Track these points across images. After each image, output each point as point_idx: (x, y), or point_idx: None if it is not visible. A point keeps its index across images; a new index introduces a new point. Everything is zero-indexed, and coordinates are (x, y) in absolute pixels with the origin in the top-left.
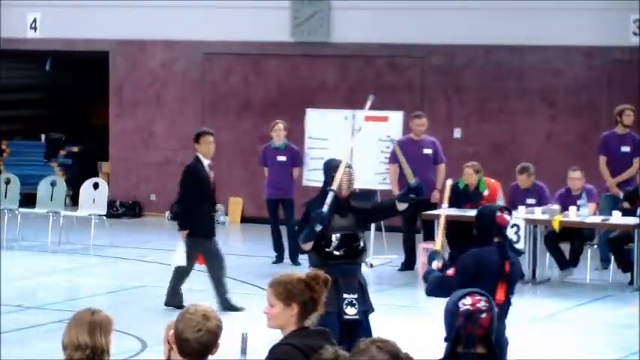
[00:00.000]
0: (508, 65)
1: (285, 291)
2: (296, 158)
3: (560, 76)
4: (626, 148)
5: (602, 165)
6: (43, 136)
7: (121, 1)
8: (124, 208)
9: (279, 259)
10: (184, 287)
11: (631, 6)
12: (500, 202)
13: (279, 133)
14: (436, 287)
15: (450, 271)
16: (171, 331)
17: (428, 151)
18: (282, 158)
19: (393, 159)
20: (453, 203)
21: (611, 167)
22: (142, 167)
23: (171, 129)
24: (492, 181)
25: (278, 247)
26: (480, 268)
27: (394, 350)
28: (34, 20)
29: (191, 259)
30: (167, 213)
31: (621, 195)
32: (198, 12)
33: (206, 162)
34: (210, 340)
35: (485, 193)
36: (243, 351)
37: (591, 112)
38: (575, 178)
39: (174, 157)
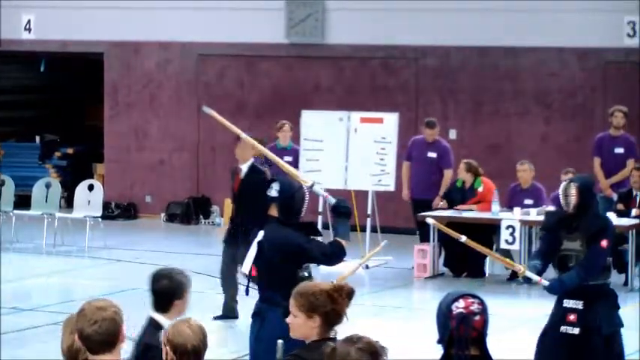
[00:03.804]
0: (502, 66)
1: (307, 303)
2: (298, 159)
3: (555, 77)
4: (619, 150)
5: (597, 166)
6: (37, 138)
7: (116, 2)
8: (119, 210)
9: None
10: None
11: (625, 7)
12: (495, 202)
13: (286, 134)
14: (594, 267)
15: (604, 242)
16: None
17: (432, 154)
18: (288, 159)
19: (406, 156)
20: (450, 204)
21: (605, 168)
22: (137, 169)
23: (166, 130)
24: (487, 180)
25: None
26: None
27: (373, 349)
28: (29, 21)
29: None
30: (162, 214)
31: (615, 196)
32: (193, 13)
33: None
34: (110, 328)
35: (480, 189)
36: None
37: (585, 114)
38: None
39: (169, 158)
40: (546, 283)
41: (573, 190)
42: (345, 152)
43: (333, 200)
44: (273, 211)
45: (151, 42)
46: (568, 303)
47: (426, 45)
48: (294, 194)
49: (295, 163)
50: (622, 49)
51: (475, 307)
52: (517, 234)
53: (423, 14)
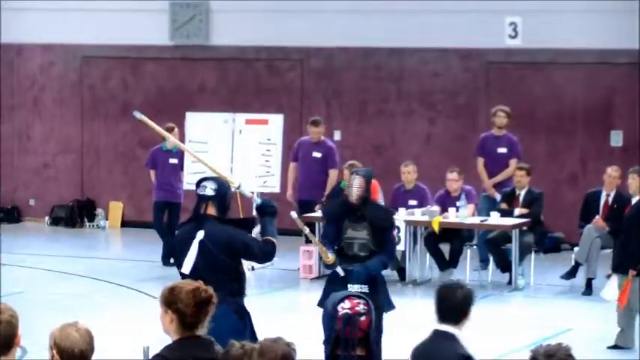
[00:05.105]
0: (387, 67)
1: (164, 297)
2: (183, 161)
3: (438, 78)
4: (502, 149)
5: (480, 166)
6: None
7: None
8: (3, 214)
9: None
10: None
11: (506, 8)
12: (380, 201)
13: (175, 137)
14: (393, 256)
15: (395, 232)
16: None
17: (317, 154)
18: (174, 161)
19: (293, 157)
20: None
21: (489, 168)
22: (21, 172)
23: (50, 133)
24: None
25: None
26: None
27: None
28: None
29: None
30: (47, 218)
31: (498, 196)
32: (77, 15)
33: None
34: (6, 331)
35: None
36: None
37: (469, 114)
38: (452, 179)
39: (53, 161)
40: (341, 272)
41: (357, 182)
42: (230, 154)
43: (259, 200)
44: (211, 210)
45: (34, 44)
46: (354, 288)
47: (311, 46)
48: (227, 191)
49: (180, 165)
50: (504, 50)
51: (361, 308)
52: (402, 234)
53: (307, 15)
